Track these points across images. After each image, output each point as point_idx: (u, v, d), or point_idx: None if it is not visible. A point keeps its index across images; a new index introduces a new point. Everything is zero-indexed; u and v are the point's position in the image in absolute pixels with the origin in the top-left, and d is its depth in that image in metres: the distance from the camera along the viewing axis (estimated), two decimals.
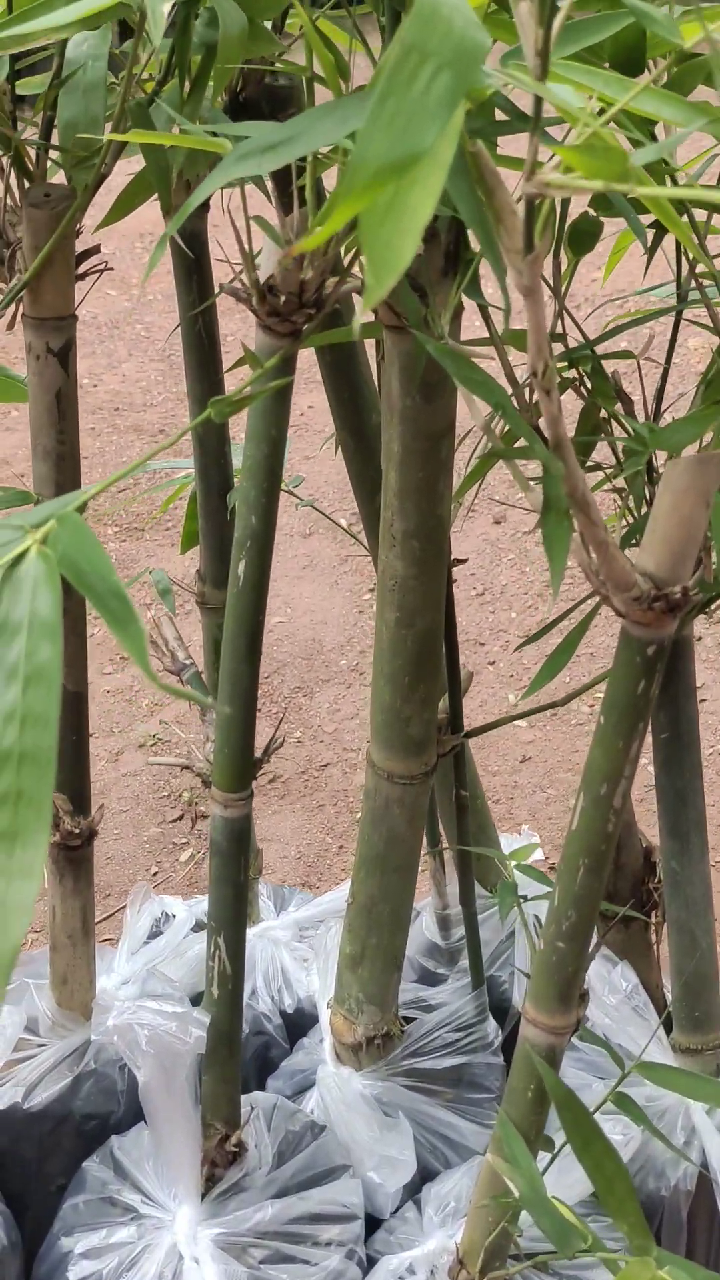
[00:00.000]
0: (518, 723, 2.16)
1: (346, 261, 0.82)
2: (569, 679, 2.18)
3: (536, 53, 0.52)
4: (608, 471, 1.00)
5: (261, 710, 1.88)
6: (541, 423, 0.84)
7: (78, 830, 1.06)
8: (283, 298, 0.79)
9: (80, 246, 0.96)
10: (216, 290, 0.98)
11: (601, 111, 0.65)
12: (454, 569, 1.06)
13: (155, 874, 1.97)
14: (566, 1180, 1.02)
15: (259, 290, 0.79)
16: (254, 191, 1.01)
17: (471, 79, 0.46)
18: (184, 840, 2.03)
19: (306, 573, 2.62)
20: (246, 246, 0.78)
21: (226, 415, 0.77)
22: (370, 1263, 1.05)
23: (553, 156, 0.55)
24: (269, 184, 1.02)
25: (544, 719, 2.17)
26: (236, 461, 1.24)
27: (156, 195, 1.08)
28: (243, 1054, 1.12)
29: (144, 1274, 0.99)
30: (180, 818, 2.07)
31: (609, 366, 0.98)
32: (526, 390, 0.97)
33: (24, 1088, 1.12)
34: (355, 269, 0.90)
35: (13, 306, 0.93)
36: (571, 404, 0.88)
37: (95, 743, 2.19)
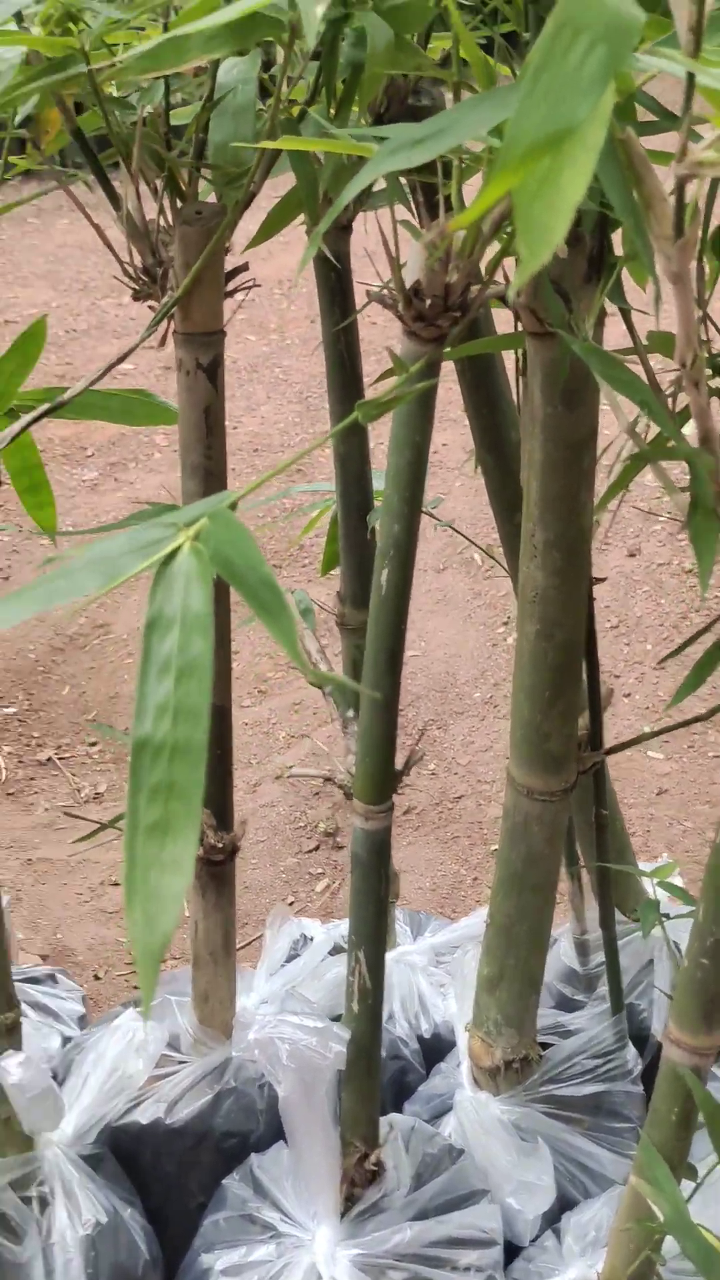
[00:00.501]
0: (654, 754, 2.13)
1: (489, 271, 0.82)
2: (704, 703, 2.14)
3: (690, 29, 0.52)
4: None
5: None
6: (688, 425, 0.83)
7: (221, 845, 1.07)
8: (428, 301, 0.79)
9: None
10: (364, 304, 0.98)
11: None
12: (593, 587, 1.05)
13: (291, 903, 1.97)
14: (711, 1210, 0.99)
15: (405, 295, 0.79)
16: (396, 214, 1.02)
17: (625, 53, 0.46)
18: (320, 871, 2.03)
19: (440, 607, 2.62)
20: (394, 252, 0.79)
21: (373, 418, 0.77)
22: None
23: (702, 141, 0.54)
24: (412, 203, 1.03)
25: (680, 750, 2.13)
26: (377, 484, 1.25)
27: (302, 216, 1.10)
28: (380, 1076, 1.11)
29: None
30: (316, 848, 2.07)
31: None
32: (670, 399, 0.96)
33: (166, 1104, 1.12)
34: (498, 276, 0.91)
35: (164, 323, 0.96)
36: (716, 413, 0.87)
37: (234, 773, 2.20)
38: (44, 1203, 1.05)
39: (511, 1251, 1.07)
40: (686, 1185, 0.93)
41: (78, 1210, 1.05)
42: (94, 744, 2.49)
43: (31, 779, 2.38)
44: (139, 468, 3.51)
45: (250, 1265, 1.02)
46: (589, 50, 0.46)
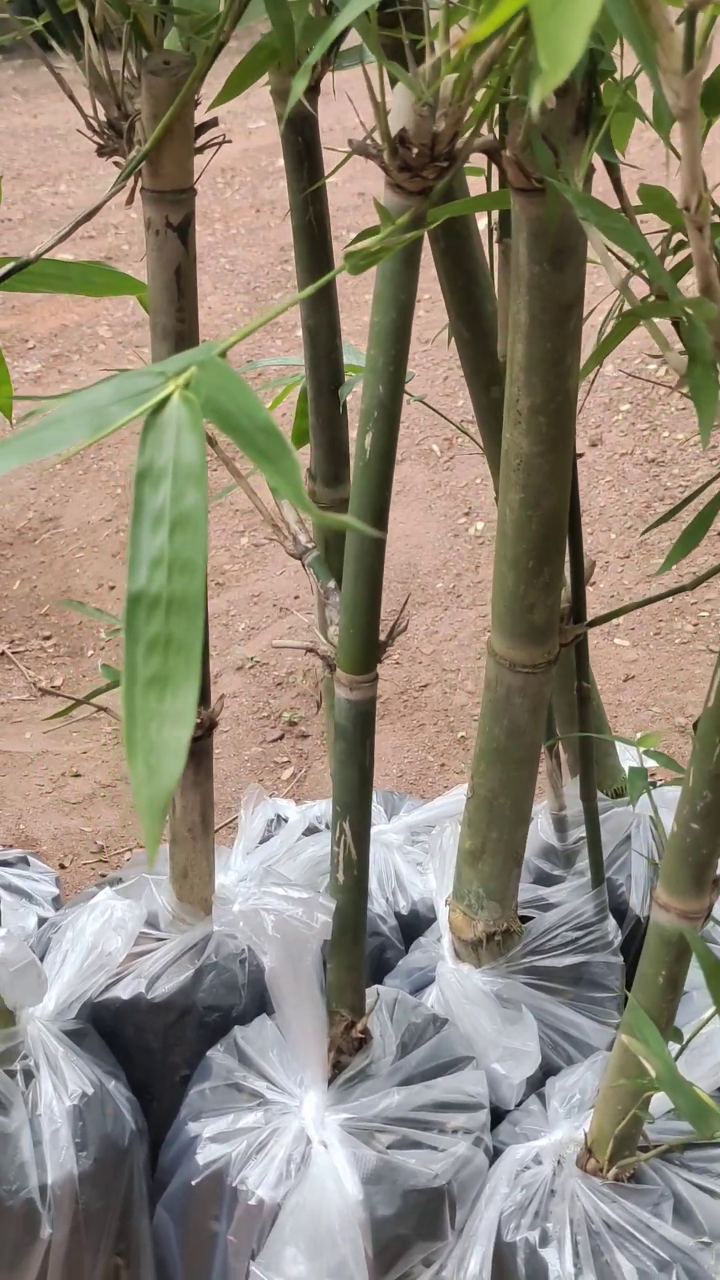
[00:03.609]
0: (620, 640, 2.13)
1: (476, 122, 0.79)
2: (675, 602, 2.15)
3: None
4: None
5: None
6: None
7: (199, 720, 1.06)
8: (415, 150, 0.76)
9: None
10: (342, 160, 0.95)
11: None
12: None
13: None
14: (694, 1073, 1.01)
15: (390, 144, 0.77)
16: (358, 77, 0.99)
17: None
18: (285, 759, 2.03)
19: (400, 498, 2.60)
20: (379, 98, 0.76)
21: (361, 269, 0.75)
22: (496, 1152, 1.04)
23: None
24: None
25: (647, 637, 2.14)
26: (347, 359, 1.22)
27: (266, 78, 1.06)
28: None
29: (272, 1157, 0.99)
30: (281, 738, 2.07)
31: None
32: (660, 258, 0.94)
33: (146, 980, 1.12)
34: (484, 130, 0.88)
35: (131, 181, 0.92)
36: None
37: None
38: (29, 1076, 1.05)
39: (497, 1116, 1.08)
40: (672, 1049, 0.95)
41: (63, 1082, 1.05)
42: (48, 637, 2.47)
43: None
44: (83, 359, 3.44)
45: (238, 1132, 1.03)
46: None
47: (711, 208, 0.90)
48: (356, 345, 1.20)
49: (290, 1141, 1.00)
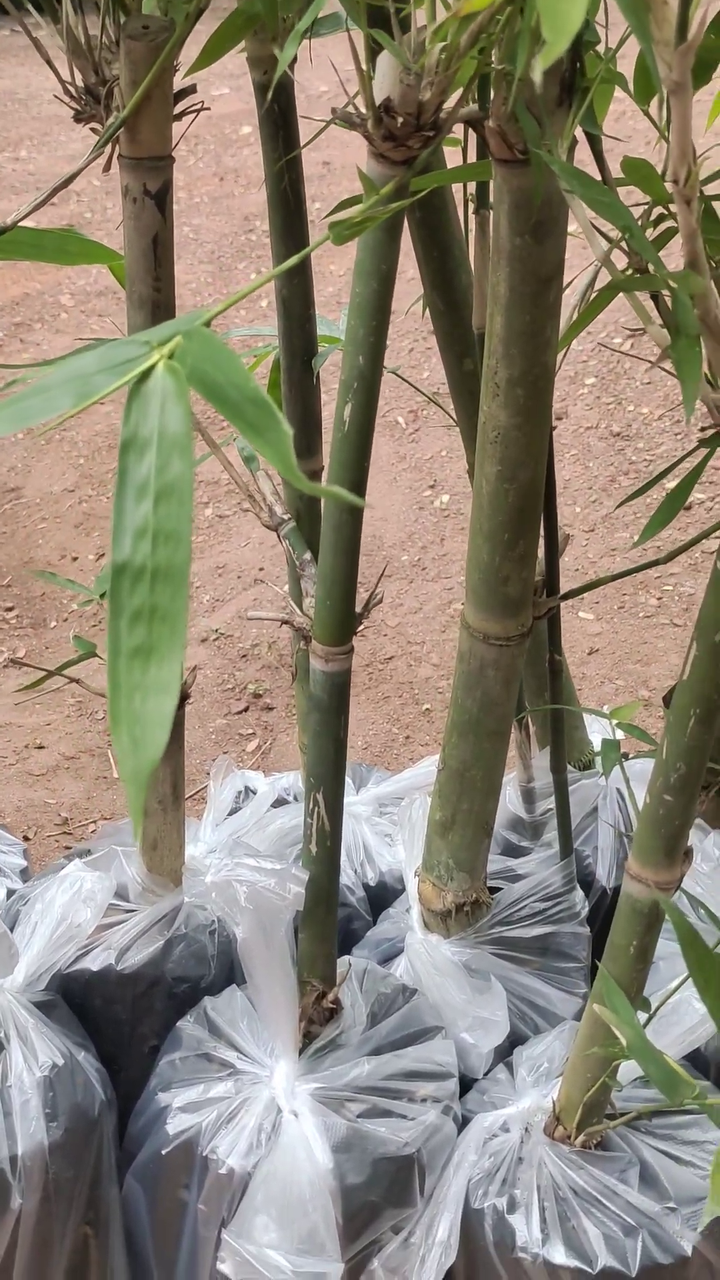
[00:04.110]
0: (584, 614, 2.14)
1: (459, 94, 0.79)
2: (639, 577, 2.16)
3: None
4: None
5: None
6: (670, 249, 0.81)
7: None
8: (400, 120, 0.76)
9: None
10: (322, 128, 0.94)
11: None
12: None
13: None
14: (661, 1041, 1.02)
15: (375, 112, 0.76)
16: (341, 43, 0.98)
17: None
18: (250, 731, 2.03)
19: None
20: (364, 66, 0.75)
21: (345, 239, 0.74)
22: (465, 1121, 1.05)
23: None
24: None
25: (611, 611, 2.15)
26: (320, 329, 1.21)
27: (243, 45, 1.05)
28: None
29: (243, 1126, 1.00)
30: (246, 710, 2.07)
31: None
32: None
33: (116, 951, 1.12)
34: (469, 102, 0.87)
35: (108, 148, 0.91)
36: (673, 254, 0.85)
37: None
38: None
39: (466, 1084, 1.09)
40: (640, 1017, 0.95)
41: (33, 1053, 1.05)
42: (10, 609, 2.45)
43: None
44: (45, 328, 3.41)
45: (209, 1101, 1.03)
46: None
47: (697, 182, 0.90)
48: (322, 315, 1.20)
49: (261, 1111, 1.00)
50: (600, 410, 2.66)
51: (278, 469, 0.50)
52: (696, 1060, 1.11)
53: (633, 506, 2.32)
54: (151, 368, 0.54)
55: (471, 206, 1.09)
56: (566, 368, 2.77)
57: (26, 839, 1.86)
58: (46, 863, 1.81)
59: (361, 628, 1.01)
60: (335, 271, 3.40)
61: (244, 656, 2.18)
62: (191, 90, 0.95)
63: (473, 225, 1.11)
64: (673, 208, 0.85)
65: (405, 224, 1.11)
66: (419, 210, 1.09)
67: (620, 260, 0.81)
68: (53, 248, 1.09)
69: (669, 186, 0.63)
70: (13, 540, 2.62)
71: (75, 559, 2.51)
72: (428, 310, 1.17)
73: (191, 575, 2.41)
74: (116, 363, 0.55)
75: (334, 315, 1.32)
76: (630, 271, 0.81)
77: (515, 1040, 1.13)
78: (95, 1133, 1.06)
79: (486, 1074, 1.10)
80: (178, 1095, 1.03)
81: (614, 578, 1.06)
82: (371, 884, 1.31)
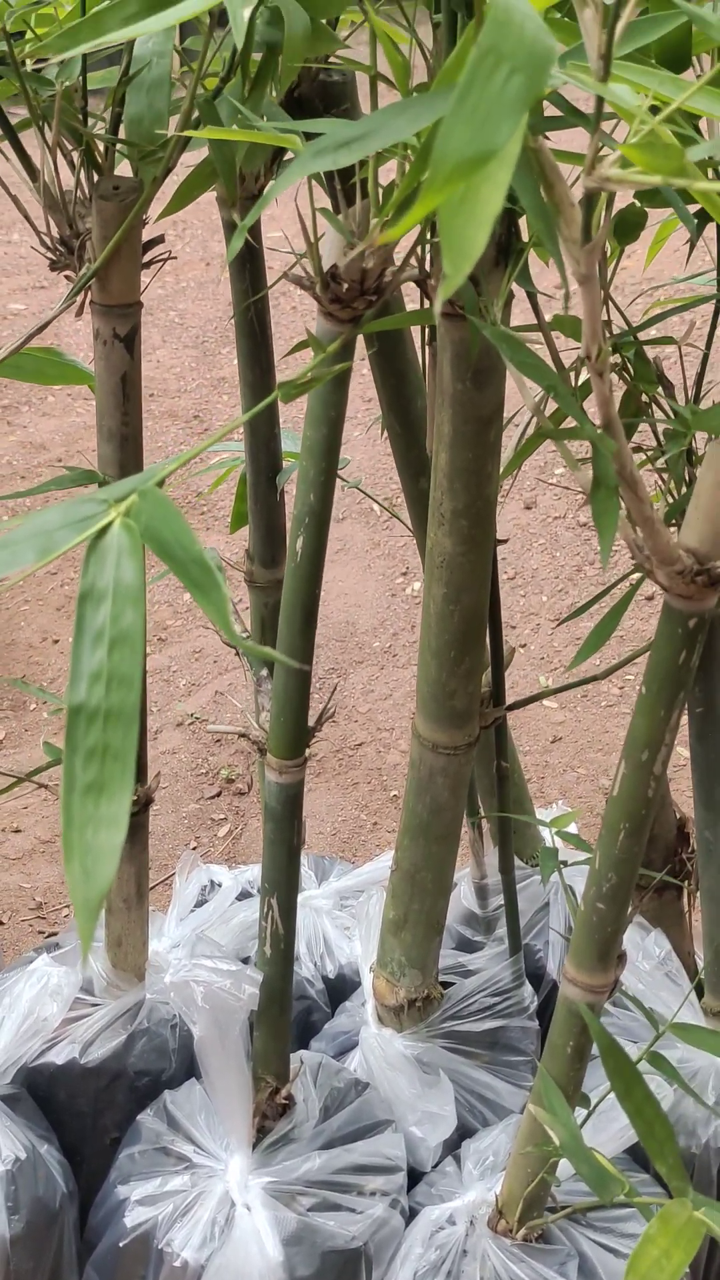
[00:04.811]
0: (548, 703, 2.20)
1: (404, 257, 0.86)
2: (599, 660, 2.22)
3: (600, 56, 0.56)
4: (649, 453, 1.03)
5: None
6: (591, 405, 0.88)
7: (135, 797, 1.11)
8: (345, 285, 0.83)
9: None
10: (276, 278, 1.01)
11: (655, 109, 0.69)
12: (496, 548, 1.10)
13: (194, 848, 2.01)
14: (601, 1137, 1.07)
15: (323, 278, 0.83)
16: (302, 185, 1.05)
17: (542, 81, 0.51)
18: (222, 816, 2.07)
19: (339, 556, 2.66)
20: (312, 237, 0.82)
21: (292, 397, 0.81)
22: (412, 1213, 1.09)
23: (609, 152, 0.59)
24: (324, 185, 1.06)
25: (574, 700, 2.20)
26: (285, 444, 1.28)
27: (213, 187, 1.12)
28: None
29: (197, 1220, 1.04)
30: (219, 794, 2.11)
31: (650, 352, 1.02)
32: (573, 374, 1.01)
33: (80, 1045, 1.17)
34: (411, 261, 0.94)
35: (81, 294, 0.98)
36: (613, 388, 0.92)
37: None
38: None
39: (414, 1177, 1.13)
40: (579, 1114, 1.00)
41: None
42: None
43: None
44: (32, 411, 3.49)
45: (165, 1195, 1.07)
46: (509, 78, 0.50)
47: (611, 352, 0.97)
48: (286, 428, 1.27)
49: (215, 1204, 1.04)
50: (568, 500, 2.73)
51: (219, 627, 0.56)
52: (638, 1153, 1.15)
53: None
54: (109, 525, 0.60)
55: (426, 337, 1.16)
56: (536, 458, 2.85)
57: (0, 923, 1.90)
58: (21, 947, 1.85)
59: (331, 714, 1.07)
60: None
61: (217, 741, 2.23)
62: (160, 240, 1.01)
63: (427, 355, 1.19)
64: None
65: (365, 353, 1.18)
66: (376, 341, 1.16)
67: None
68: (31, 369, 1.16)
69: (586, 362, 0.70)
70: None
71: (56, 641, 2.57)
72: (385, 431, 1.24)
73: (169, 659, 2.46)
74: (78, 519, 0.61)
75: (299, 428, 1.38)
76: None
77: (464, 1132, 1.18)
78: (56, 1225, 1.10)
79: (435, 1166, 1.14)
80: (136, 1188, 1.07)
81: (553, 692, 1.12)
82: (331, 976, 1.36)
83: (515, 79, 0.50)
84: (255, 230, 1.20)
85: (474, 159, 0.50)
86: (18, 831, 2.08)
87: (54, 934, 1.87)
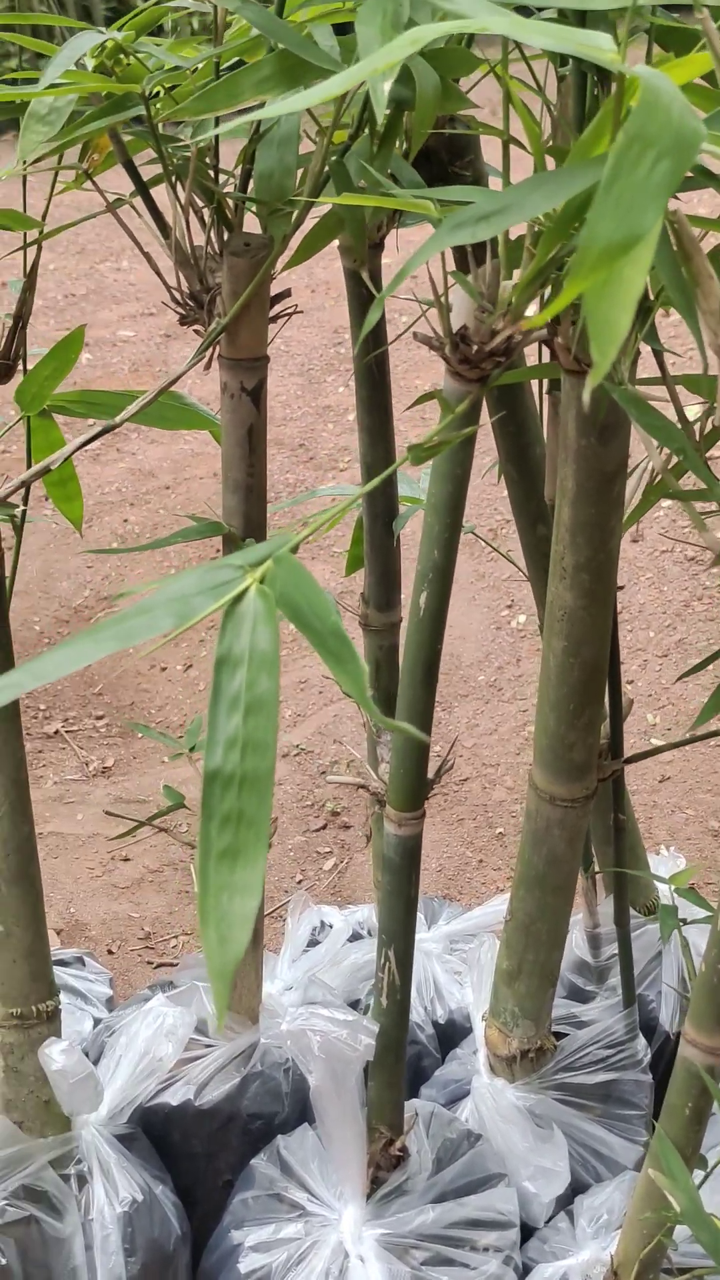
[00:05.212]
0: (656, 740, 2.18)
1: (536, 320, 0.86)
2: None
3: None
4: None
5: None
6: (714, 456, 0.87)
7: None
8: (475, 347, 0.83)
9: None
10: (403, 332, 1.02)
11: None
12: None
13: (300, 881, 2.02)
14: (718, 1199, 1.05)
15: (452, 339, 0.83)
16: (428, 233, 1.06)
17: (688, 164, 0.51)
18: (327, 849, 2.08)
19: None
20: (442, 299, 0.83)
21: (423, 460, 0.81)
22: (525, 1270, 1.09)
23: None
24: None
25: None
26: (401, 489, 1.29)
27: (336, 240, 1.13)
28: None
29: (311, 1269, 1.04)
30: (324, 827, 2.12)
31: None
32: (697, 428, 1.00)
33: (195, 1086, 1.18)
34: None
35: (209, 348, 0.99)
36: None
37: None
38: (82, 1180, 1.10)
39: (526, 1231, 1.12)
40: (697, 1175, 0.99)
41: (114, 1188, 1.10)
42: (100, 717, 2.54)
43: (40, 752, 2.43)
44: (140, 438, 3.54)
45: (279, 1242, 1.07)
46: (656, 163, 0.51)
47: None
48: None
49: (329, 1254, 1.04)
50: (676, 533, 2.71)
51: (355, 700, 0.56)
52: None
53: (706, 631, 2.36)
54: (245, 591, 0.60)
55: (546, 386, 1.16)
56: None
57: (110, 952, 1.92)
58: (130, 977, 1.87)
59: (436, 747, 1.07)
60: (418, 386, 3.49)
61: (324, 772, 2.24)
62: (287, 294, 1.03)
63: (546, 404, 1.19)
64: None
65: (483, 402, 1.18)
66: (496, 389, 1.16)
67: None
68: (154, 413, 1.18)
69: None
70: None
71: (164, 669, 2.60)
72: (502, 478, 1.24)
73: None
74: (213, 585, 0.61)
75: (415, 472, 1.39)
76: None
77: (577, 1186, 1.17)
78: (170, 1267, 1.11)
79: (548, 1222, 1.13)
80: (250, 1234, 1.08)
81: (672, 746, 1.11)
82: (441, 1021, 1.36)
83: (662, 164, 0.50)
84: (375, 276, 1.21)
85: (620, 245, 0.50)
86: (126, 860, 2.10)
87: (163, 964, 1.89)
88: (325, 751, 2.29)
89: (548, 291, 0.81)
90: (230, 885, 0.57)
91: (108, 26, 0.94)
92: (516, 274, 0.83)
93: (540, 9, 0.82)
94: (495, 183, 1.14)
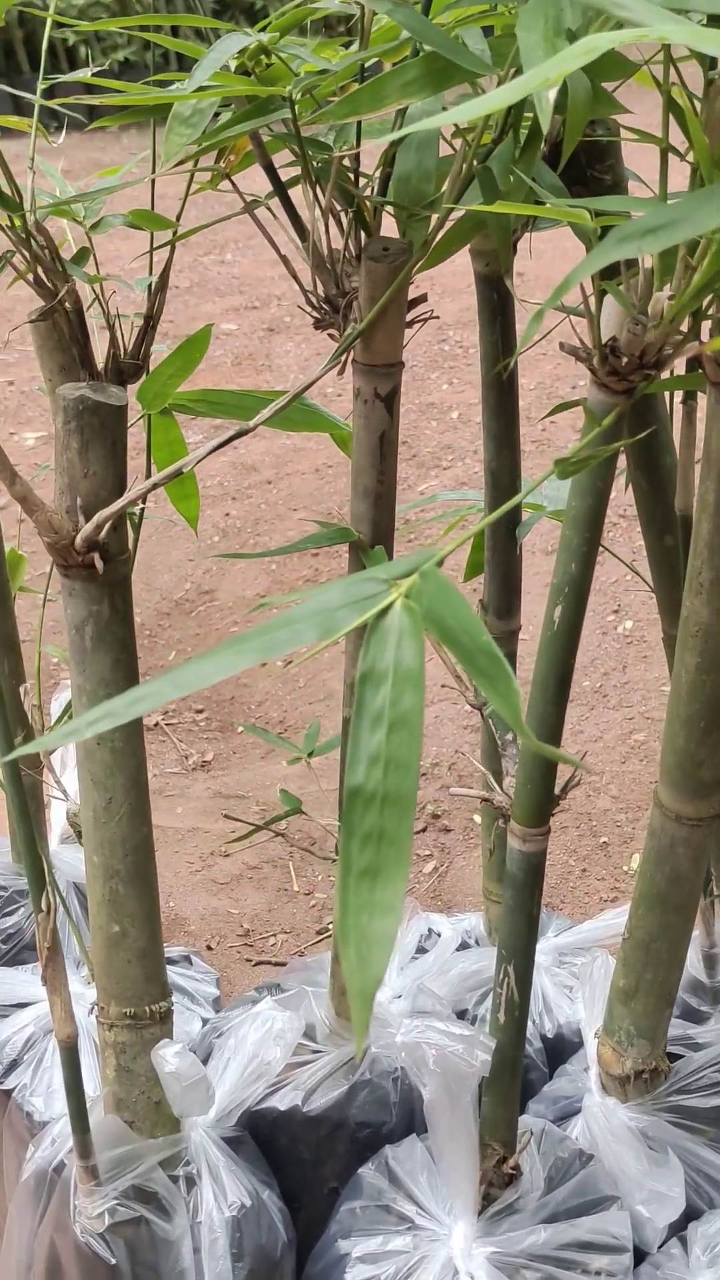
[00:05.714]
0: None
1: (687, 325, 0.84)
2: None
3: None
4: None
5: None
6: None
7: None
8: (625, 359, 0.81)
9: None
10: (524, 340, 1.00)
11: None
12: None
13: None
14: None
15: (601, 351, 0.81)
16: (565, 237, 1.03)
17: None
18: (427, 853, 2.07)
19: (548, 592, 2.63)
20: (594, 310, 0.81)
21: (569, 474, 0.80)
22: None
23: None
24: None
25: None
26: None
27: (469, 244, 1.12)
28: None
29: None
30: (424, 830, 2.11)
31: None
32: None
33: (303, 1092, 1.17)
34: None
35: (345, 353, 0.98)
36: None
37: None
38: (190, 1182, 1.10)
39: (638, 1256, 1.10)
40: None
41: (223, 1191, 1.10)
42: (200, 711, 2.55)
43: None
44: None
45: (387, 1254, 1.06)
46: None
47: None
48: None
49: (438, 1269, 1.03)
50: None
51: (508, 721, 0.55)
52: None
53: None
54: (390, 605, 0.59)
55: (680, 394, 1.14)
56: None
57: (209, 948, 1.93)
58: (230, 974, 1.88)
59: (577, 783, 1.05)
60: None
61: (423, 775, 2.23)
62: (423, 299, 1.01)
63: (679, 412, 1.16)
64: None
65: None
66: None
67: None
68: (278, 416, 1.17)
69: None
70: (205, 642, 2.73)
71: (264, 665, 2.60)
72: (630, 487, 1.21)
73: None
74: (358, 598, 0.60)
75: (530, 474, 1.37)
76: None
77: (690, 1212, 1.14)
78: (276, 1273, 1.10)
79: (661, 1247, 1.11)
80: (358, 1244, 1.07)
81: None
82: (549, 1035, 1.34)
83: None
84: (507, 284, 1.19)
85: None
86: (226, 856, 2.11)
87: (262, 961, 1.89)
88: (424, 754, 2.28)
89: (707, 304, 0.79)
90: (370, 905, 0.56)
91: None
92: (667, 285, 0.81)
93: (684, 11, 0.80)
94: (634, 188, 1.12)
